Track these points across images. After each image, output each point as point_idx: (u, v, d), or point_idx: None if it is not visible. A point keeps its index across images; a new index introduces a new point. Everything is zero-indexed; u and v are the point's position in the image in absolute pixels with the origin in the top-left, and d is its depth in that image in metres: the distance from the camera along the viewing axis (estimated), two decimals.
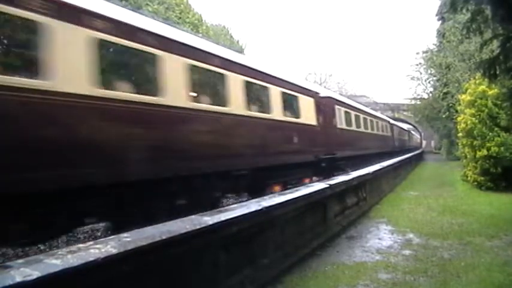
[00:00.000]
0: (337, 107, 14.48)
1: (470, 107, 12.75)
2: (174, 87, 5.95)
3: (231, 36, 34.29)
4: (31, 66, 4.28)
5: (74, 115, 4.55)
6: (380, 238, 6.44)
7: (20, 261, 2.08)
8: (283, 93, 9.76)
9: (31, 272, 1.90)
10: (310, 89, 12.46)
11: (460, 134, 13.90)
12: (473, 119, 12.35)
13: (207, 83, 7.32)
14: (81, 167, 4.53)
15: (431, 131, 46.58)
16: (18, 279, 1.84)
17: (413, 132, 51.11)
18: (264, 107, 9.02)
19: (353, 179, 7.88)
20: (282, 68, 15.17)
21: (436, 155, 42.87)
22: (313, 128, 11.62)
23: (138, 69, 5.88)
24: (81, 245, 2.38)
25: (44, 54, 4.31)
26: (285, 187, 9.17)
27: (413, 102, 37.11)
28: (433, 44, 30.65)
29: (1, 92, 3.86)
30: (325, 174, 11.85)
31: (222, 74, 7.28)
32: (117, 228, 4.81)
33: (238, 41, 34.46)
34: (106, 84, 4.94)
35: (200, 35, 13.25)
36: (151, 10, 20.51)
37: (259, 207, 4.12)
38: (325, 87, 37.12)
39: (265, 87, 9.04)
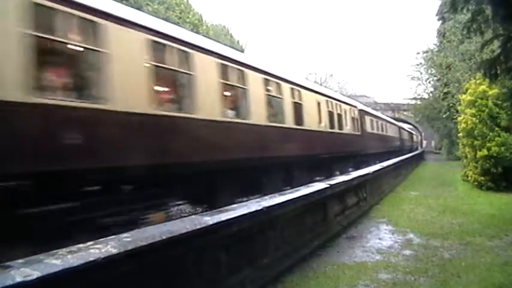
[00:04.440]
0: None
1: (471, 107, 12.74)
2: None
3: (231, 36, 34.30)
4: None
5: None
6: (380, 238, 6.43)
7: (20, 261, 2.07)
8: None
9: (31, 272, 1.90)
10: None
11: (460, 134, 13.89)
12: (474, 119, 12.34)
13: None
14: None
15: (431, 131, 46.48)
16: (19, 279, 1.83)
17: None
18: None
19: (353, 179, 7.88)
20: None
21: (436, 155, 42.83)
22: None
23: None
24: (81, 245, 2.38)
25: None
26: None
27: (413, 102, 37.12)
28: (434, 44, 30.74)
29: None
30: None
31: None
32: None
33: (238, 41, 34.47)
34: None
35: (200, 34, 13.23)
36: (151, 10, 20.52)
37: (260, 207, 4.12)
38: (325, 87, 37.08)
39: None
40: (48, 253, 2.22)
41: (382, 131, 24.96)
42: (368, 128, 20.10)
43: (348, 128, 16.04)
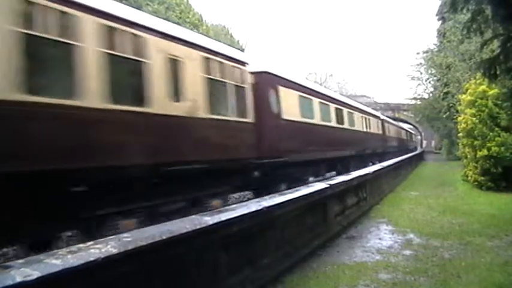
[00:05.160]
0: None
1: (471, 107, 12.74)
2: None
3: (231, 36, 34.30)
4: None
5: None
6: (380, 238, 6.43)
7: (20, 261, 2.08)
8: None
9: (31, 272, 1.90)
10: None
11: (460, 134, 13.90)
12: (474, 119, 12.34)
13: None
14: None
15: (431, 131, 46.51)
16: (19, 279, 1.83)
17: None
18: None
19: (353, 179, 7.88)
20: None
21: (436, 155, 42.81)
22: None
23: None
24: (81, 245, 2.38)
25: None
26: None
27: (413, 102, 37.13)
28: (434, 44, 30.69)
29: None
30: None
31: None
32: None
33: (238, 41, 34.47)
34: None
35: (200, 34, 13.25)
36: (151, 10, 20.52)
37: (260, 207, 4.12)
38: (325, 87, 37.04)
39: None
40: (48, 253, 2.22)
41: (324, 120, 14.04)
42: (284, 112, 10.64)
43: (187, 105, 7.22)
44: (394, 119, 37.99)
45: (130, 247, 2.44)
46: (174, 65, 6.99)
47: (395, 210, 9.03)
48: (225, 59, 8.57)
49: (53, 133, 5.14)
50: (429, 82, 31.67)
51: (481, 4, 7.61)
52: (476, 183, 12.53)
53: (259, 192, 8.52)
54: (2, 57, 4.54)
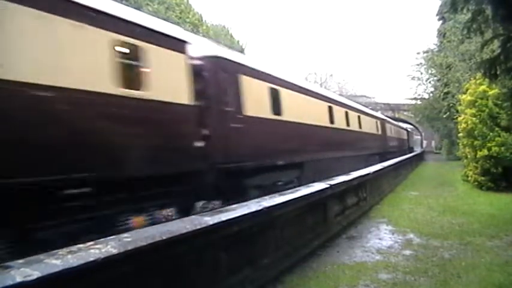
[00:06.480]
0: None
1: (471, 107, 12.74)
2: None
3: (231, 36, 34.32)
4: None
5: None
6: (380, 238, 6.44)
7: (20, 261, 2.07)
8: None
9: (31, 272, 1.91)
10: None
11: (460, 134, 13.90)
12: (474, 119, 12.33)
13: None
14: None
15: (431, 131, 46.45)
16: (19, 279, 1.84)
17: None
18: None
19: (353, 179, 7.87)
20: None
21: (436, 155, 42.78)
22: None
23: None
24: (81, 245, 2.38)
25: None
26: None
27: (413, 102, 37.09)
28: (434, 44, 30.64)
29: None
30: None
31: None
32: None
33: (238, 41, 34.49)
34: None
35: (200, 34, 13.27)
36: (151, 10, 20.54)
37: (260, 207, 4.12)
38: (325, 87, 36.93)
39: None
40: (48, 253, 2.22)
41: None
42: None
43: None
44: (394, 119, 37.85)
45: (130, 247, 2.44)
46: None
47: (395, 210, 9.03)
48: None
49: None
50: (429, 82, 31.63)
51: (481, 4, 7.60)
52: (476, 183, 12.53)
53: None
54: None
